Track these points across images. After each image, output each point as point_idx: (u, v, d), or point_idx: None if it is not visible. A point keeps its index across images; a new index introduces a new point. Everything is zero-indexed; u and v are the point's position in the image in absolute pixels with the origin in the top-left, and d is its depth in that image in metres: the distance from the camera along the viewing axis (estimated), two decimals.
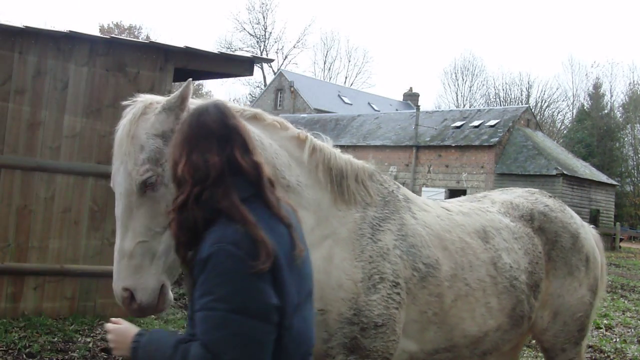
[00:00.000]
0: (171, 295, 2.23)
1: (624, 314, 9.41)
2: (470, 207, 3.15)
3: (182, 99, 2.22)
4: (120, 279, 2.10)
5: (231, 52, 11.25)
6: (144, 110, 2.24)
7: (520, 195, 3.43)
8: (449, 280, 2.68)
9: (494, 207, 3.24)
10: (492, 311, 2.84)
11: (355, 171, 2.66)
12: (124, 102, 2.33)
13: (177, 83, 7.38)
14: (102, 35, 6.26)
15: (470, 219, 3.01)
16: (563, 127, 56.03)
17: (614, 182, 36.65)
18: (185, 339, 1.71)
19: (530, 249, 3.11)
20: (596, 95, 51.45)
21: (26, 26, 5.51)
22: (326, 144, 2.72)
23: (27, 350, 4.80)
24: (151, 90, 6.08)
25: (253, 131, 2.31)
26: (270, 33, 64.90)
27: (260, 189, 1.79)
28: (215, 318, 1.63)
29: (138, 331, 1.80)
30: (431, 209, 2.92)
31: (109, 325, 1.86)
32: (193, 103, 2.24)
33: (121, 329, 1.83)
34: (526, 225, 3.19)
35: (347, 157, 2.72)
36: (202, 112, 1.83)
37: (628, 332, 8.19)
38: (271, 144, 2.48)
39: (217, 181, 1.73)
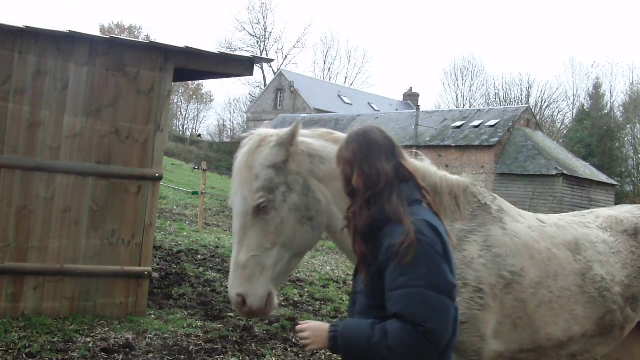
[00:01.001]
0: (277, 301, 2.59)
1: None
2: (568, 221, 3.36)
3: (292, 136, 2.58)
4: (234, 286, 2.51)
5: (231, 52, 11.24)
6: (259, 143, 2.61)
7: (627, 211, 3.61)
8: (533, 287, 2.90)
9: (596, 221, 3.44)
10: (577, 318, 3.03)
11: (449, 187, 2.90)
12: (243, 135, 2.74)
13: (177, 83, 7.37)
14: (102, 35, 6.26)
15: (563, 232, 3.20)
16: (563, 127, 56.02)
17: (614, 182, 36.64)
18: (376, 321, 2.02)
19: (630, 263, 3.28)
20: (596, 95, 51.45)
21: (26, 26, 5.51)
22: (424, 163, 2.95)
23: (27, 350, 4.80)
24: (151, 90, 6.08)
25: (320, 145, 2.73)
26: (270, 33, 64.88)
27: (424, 194, 2.21)
28: (414, 294, 1.95)
29: (332, 323, 2.12)
30: (524, 220, 3.13)
31: (301, 326, 2.18)
32: (303, 135, 2.70)
33: (314, 325, 2.15)
34: (629, 239, 3.36)
35: (443, 174, 2.96)
36: (369, 131, 2.23)
37: None
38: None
39: (387, 186, 2.12)
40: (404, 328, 1.93)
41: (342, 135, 2.72)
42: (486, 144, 32.27)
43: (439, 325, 1.95)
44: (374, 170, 2.12)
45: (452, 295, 2.01)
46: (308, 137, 2.76)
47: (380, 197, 2.10)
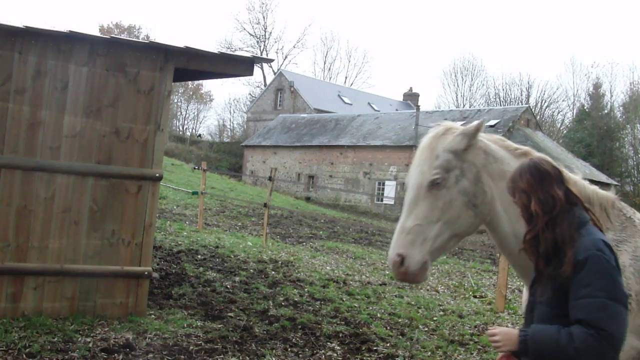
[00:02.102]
0: (428, 273, 2.87)
1: None
2: None
3: (477, 130, 2.93)
4: (396, 247, 2.78)
5: (231, 52, 11.17)
6: (444, 132, 2.98)
7: None
8: None
9: None
10: None
11: (599, 200, 3.13)
12: (430, 125, 3.15)
13: (177, 83, 7.37)
14: (102, 35, 6.25)
15: None
16: (563, 127, 56.01)
17: (614, 182, 36.64)
18: (561, 327, 2.33)
19: None
20: (596, 95, 51.44)
21: (26, 26, 5.50)
22: (577, 177, 3.22)
23: (27, 350, 4.80)
24: (151, 90, 6.08)
25: (495, 147, 3.06)
26: (270, 33, 64.88)
27: (589, 213, 2.56)
28: (597, 303, 2.29)
29: (521, 329, 2.44)
30: None
31: (492, 330, 2.49)
32: (481, 135, 3.00)
33: (504, 330, 2.46)
34: None
35: (594, 188, 3.22)
36: (539, 163, 2.57)
37: None
38: (509, 160, 3.07)
39: (561, 210, 2.46)
40: (589, 332, 2.27)
41: (512, 144, 3.14)
42: None
43: (618, 331, 2.29)
44: (549, 197, 2.46)
45: (626, 304, 2.36)
46: (485, 138, 3.09)
47: (556, 220, 2.45)
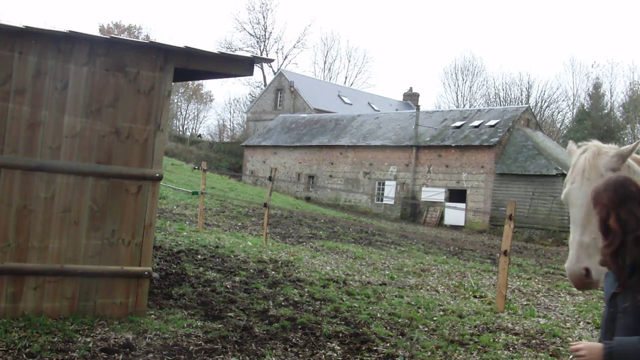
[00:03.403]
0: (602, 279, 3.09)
1: None
2: None
3: (630, 152, 3.23)
4: (581, 260, 3.04)
5: (231, 52, 11.20)
6: (599, 151, 3.26)
7: None
8: None
9: None
10: None
11: None
12: (580, 144, 3.43)
13: (177, 83, 7.36)
14: (102, 35, 6.25)
15: None
16: (563, 127, 56.01)
17: None
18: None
19: None
20: (596, 95, 51.47)
21: (26, 26, 5.50)
22: None
23: (27, 350, 4.79)
24: (151, 90, 6.08)
25: (637, 166, 3.33)
26: (270, 33, 64.90)
27: None
28: None
29: (605, 342, 2.51)
30: None
31: (577, 345, 2.57)
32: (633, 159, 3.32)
33: (589, 345, 2.53)
34: None
35: None
36: (624, 181, 2.64)
37: None
38: None
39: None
40: None
41: None
42: (486, 144, 32.25)
43: None
44: (632, 216, 2.54)
45: None
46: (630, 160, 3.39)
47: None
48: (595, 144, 3.33)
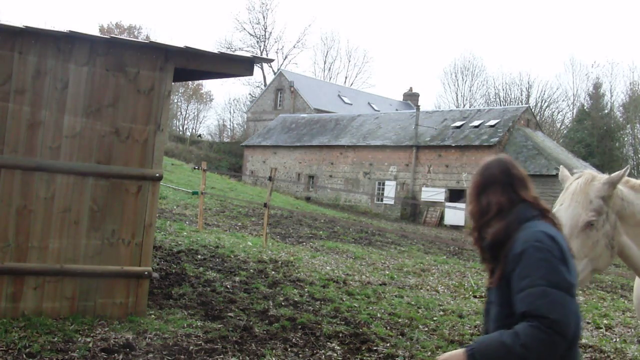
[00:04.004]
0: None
1: (624, 314, 9.41)
2: None
3: (620, 179, 3.34)
4: None
5: (231, 52, 11.20)
6: (592, 179, 3.38)
7: None
8: None
9: None
10: None
11: None
12: (575, 171, 3.57)
13: (177, 83, 7.36)
14: (102, 35, 6.25)
15: None
16: (563, 127, 56.00)
17: None
18: (503, 330, 2.27)
19: None
20: (596, 95, 51.42)
21: (26, 26, 5.50)
22: None
23: (27, 350, 4.79)
24: (151, 90, 6.08)
25: (627, 191, 3.48)
26: (270, 33, 64.88)
27: (542, 210, 2.49)
28: (537, 292, 2.21)
29: (466, 346, 2.38)
30: None
31: (438, 358, 2.45)
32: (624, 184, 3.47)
33: (448, 355, 2.39)
34: None
35: None
36: (494, 164, 2.56)
37: (628, 332, 8.19)
38: (635, 199, 3.50)
39: (499, 212, 2.46)
40: (532, 324, 2.18)
41: (636, 182, 3.56)
42: (486, 144, 32.25)
43: (561, 317, 2.18)
44: (487, 203, 2.49)
45: (571, 292, 2.26)
46: (619, 185, 3.48)
47: (494, 220, 2.45)
48: (590, 172, 3.46)
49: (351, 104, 52.23)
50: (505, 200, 2.48)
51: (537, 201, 2.52)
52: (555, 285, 2.22)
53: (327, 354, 5.68)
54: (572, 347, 2.32)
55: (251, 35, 63.09)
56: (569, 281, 2.27)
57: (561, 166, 3.93)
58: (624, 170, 3.36)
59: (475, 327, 7.42)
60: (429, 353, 6.07)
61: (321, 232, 17.34)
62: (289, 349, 5.68)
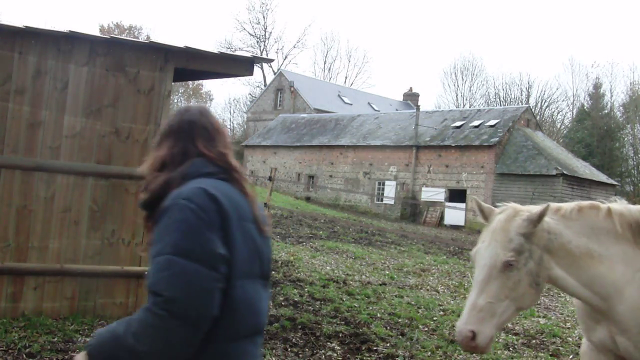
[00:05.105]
0: (492, 345, 3.09)
1: None
2: None
3: (541, 217, 3.10)
4: (469, 322, 2.98)
5: (231, 52, 11.23)
6: (514, 214, 3.17)
7: None
8: None
9: None
10: None
11: None
12: (498, 205, 3.34)
13: (177, 83, 7.36)
14: (102, 35, 6.25)
15: None
16: (563, 127, 55.99)
17: (614, 182, 36.64)
18: (126, 318, 1.78)
19: None
20: (596, 95, 51.41)
21: (26, 26, 5.50)
22: (621, 205, 3.37)
23: (27, 350, 4.80)
24: (151, 90, 6.08)
25: (554, 223, 3.21)
26: (270, 33, 64.91)
27: (226, 168, 2.02)
28: (161, 261, 1.71)
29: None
30: None
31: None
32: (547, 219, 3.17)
33: (77, 358, 1.84)
34: None
35: (638, 207, 3.36)
36: (176, 113, 2.14)
37: None
38: (578, 231, 3.26)
39: (164, 167, 1.99)
40: (146, 307, 1.68)
41: (567, 209, 3.30)
42: (486, 144, 32.24)
43: (181, 294, 1.66)
44: (159, 154, 2.02)
45: (212, 264, 1.73)
46: (547, 216, 3.23)
47: (162, 175, 1.97)
48: (513, 206, 3.26)
49: (351, 104, 52.23)
50: (178, 151, 2.01)
51: (223, 158, 2.05)
52: (185, 253, 1.70)
53: (327, 354, 5.68)
54: (215, 341, 1.78)
55: (251, 35, 63.10)
56: (213, 251, 1.75)
57: (474, 199, 3.55)
58: (543, 207, 3.13)
59: None
60: (429, 353, 6.07)
61: (321, 232, 17.35)
62: (289, 349, 5.68)
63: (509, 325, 7.67)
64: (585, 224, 3.30)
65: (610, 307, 3.23)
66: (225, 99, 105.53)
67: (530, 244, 3.12)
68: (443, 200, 33.53)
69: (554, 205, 3.35)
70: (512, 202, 3.33)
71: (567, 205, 3.37)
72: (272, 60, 12.53)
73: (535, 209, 3.19)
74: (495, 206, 3.45)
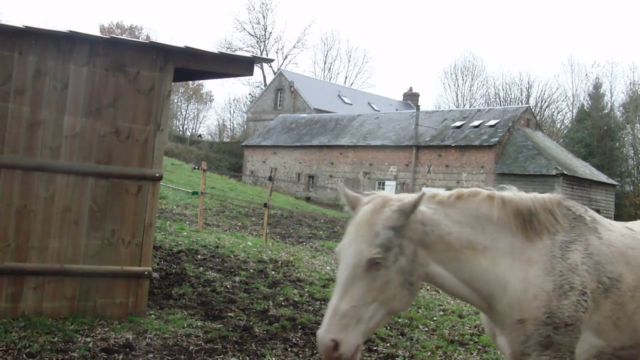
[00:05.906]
0: (360, 354, 2.74)
1: None
2: None
3: (414, 207, 2.74)
4: (331, 331, 2.62)
5: (231, 52, 11.23)
6: (382, 204, 2.78)
7: None
8: (631, 291, 3.08)
9: None
10: None
11: (542, 205, 3.09)
12: (365, 193, 2.93)
13: (177, 83, 7.37)
14: (102, 35, 6.25)
15: None
16: (563, 127, 55.99)
17: (614, 182, 36.63)
18: None
19: None
20: (596, 95, 51.41)
21: (26, 26, 5.50)
22: (511, 192, 3.13)
23: (27, 350, 4.80)
24: (151, 90, 6.08)
25: (430, 212, 2.88)
26: (270, 33, 64.89)
27: None
28: None
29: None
30: (615, 229, 3.30)
31: None
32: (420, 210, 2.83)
33: None
34: None
35: (532, 195, 3.13)
36: None
37: None
38: (460, 220, 2.94)
39: None
40: None
41: (444, 196, 3.00)
42: (486, 144, 32.25)
43: None
44: None
45: None
46: (422, 205, 2.90)
47: None
48: (382, 194, 2.86)
49: (351, 104, 52.22)
50: None
51: None
52: None
53: None
54: None
55: (251, 35, 63.12)
56: None
57: (339, 185, 3.10)
58: (417, 196, 2.75)
59: (475, 327, 7.42)
60: (429, 353, 6.07)
61: (321, 232, 17.34)
62: (289, 349, 5.68)
63: None
64: (467, 213, 2.97)
65: (490, 306, 2.98)
66: (225, 99, 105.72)
67: (401, 239, 2.74)
68: None
69: (430, 192, 3.04)
70: (384, 192, 2.94)
71: (446, 192, 3.05)
72: (272, 60, 12.53)
73: (408, 197, 2.83)
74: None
